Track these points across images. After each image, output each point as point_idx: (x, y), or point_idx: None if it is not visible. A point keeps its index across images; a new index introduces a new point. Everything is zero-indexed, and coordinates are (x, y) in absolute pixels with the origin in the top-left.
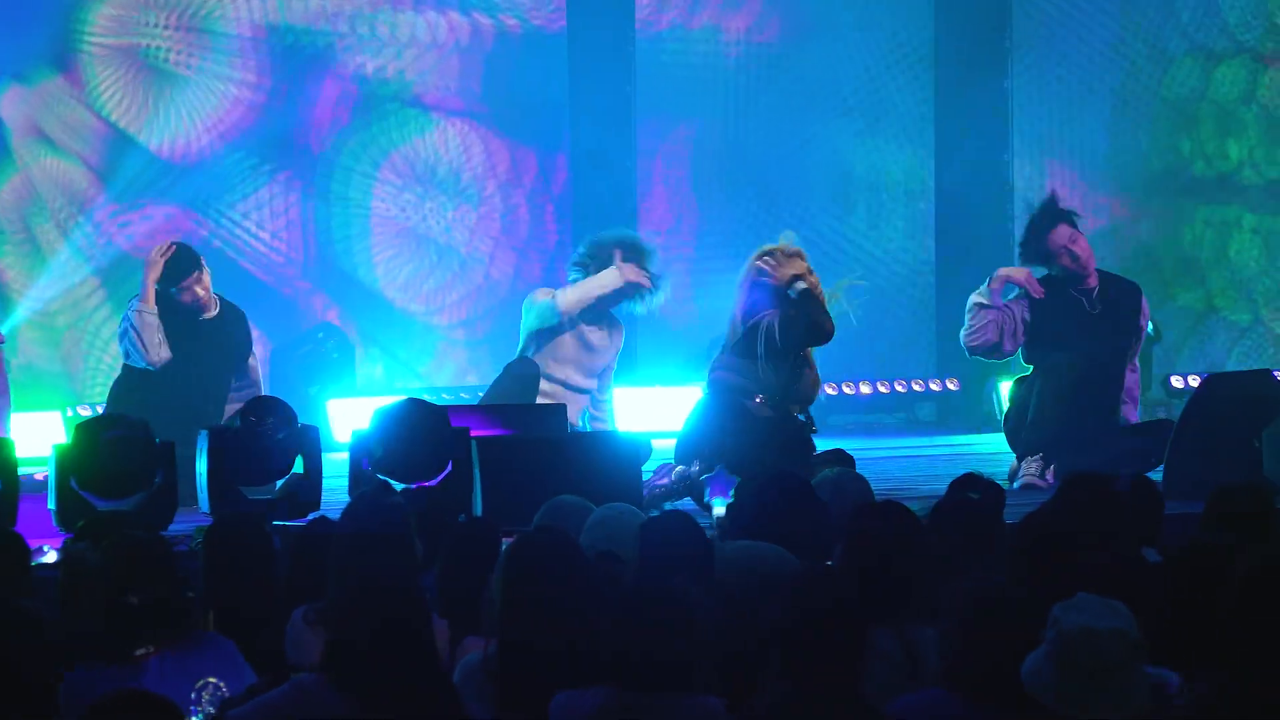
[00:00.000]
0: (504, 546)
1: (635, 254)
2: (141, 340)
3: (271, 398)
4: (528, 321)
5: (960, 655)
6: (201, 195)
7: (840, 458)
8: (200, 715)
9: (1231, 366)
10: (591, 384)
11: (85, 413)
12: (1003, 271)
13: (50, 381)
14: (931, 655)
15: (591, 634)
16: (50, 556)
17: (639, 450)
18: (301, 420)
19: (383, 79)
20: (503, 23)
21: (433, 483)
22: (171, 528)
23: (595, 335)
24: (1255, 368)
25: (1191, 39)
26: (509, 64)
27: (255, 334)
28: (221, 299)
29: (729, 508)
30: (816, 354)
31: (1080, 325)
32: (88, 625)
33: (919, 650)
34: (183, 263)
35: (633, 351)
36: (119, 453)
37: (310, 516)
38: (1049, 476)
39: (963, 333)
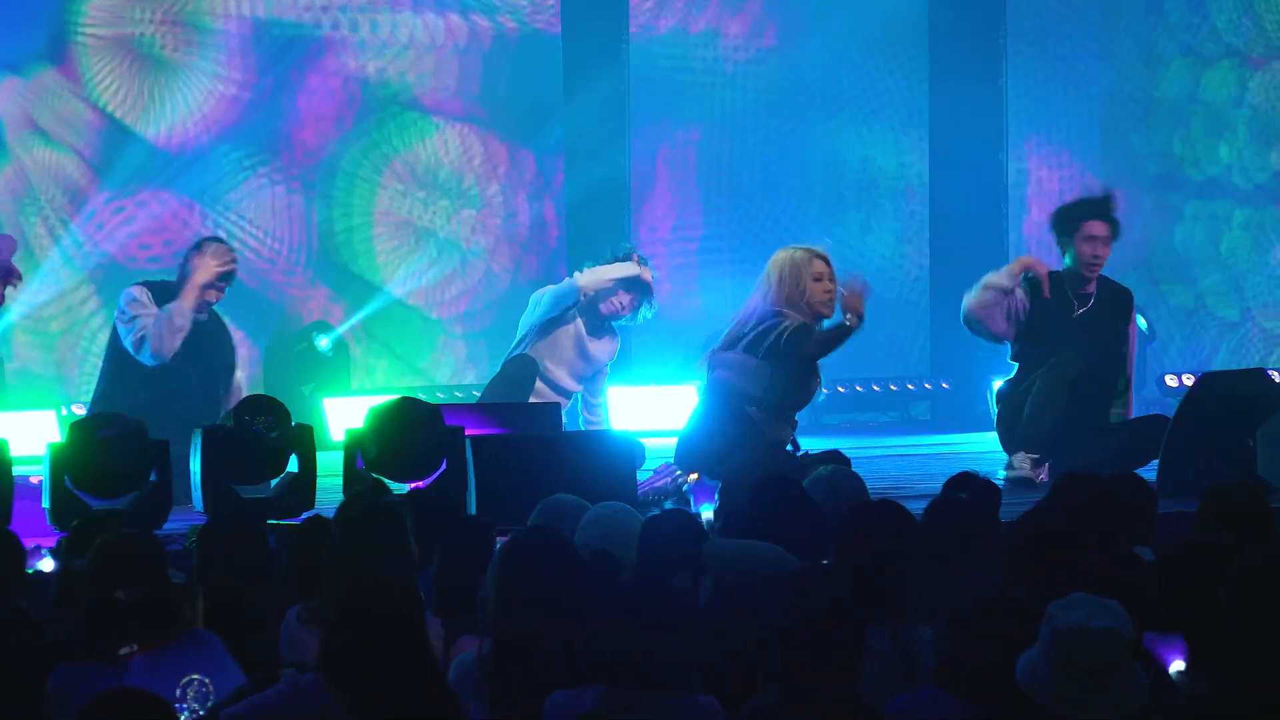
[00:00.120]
0: (499, 545)
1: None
2: (162, 336)
3: (265, 397)
4: (538, 310)
5: (955, 654)
6: (198, 187)
7: (836, 458)
8: (187, 711)
9: (1220, 363)
10: (578, 388)
11: (80, 412)
12: (1026, 260)
13: (44, 385)
14: (927, 654)
15: (587, 633)
16: (46, 563)
17: (633, 450)
18: (296, 419)
19: (382, 81)
20: (501, 24)
21: (426, 481)
22: (166, 526)
23: (594, 345)
24: (1245, 366)
25: (1181, 41)
26: (507, 65)
27: (251, 335)
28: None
29: (717, 512)
30: None
31: (1069, 327)
32: (79, 624)
33: (914, 649)
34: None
35: (628, 351)
36: (113, 451)
37: (305, 515)
38: (1043, 475)
39: (968, 298)
